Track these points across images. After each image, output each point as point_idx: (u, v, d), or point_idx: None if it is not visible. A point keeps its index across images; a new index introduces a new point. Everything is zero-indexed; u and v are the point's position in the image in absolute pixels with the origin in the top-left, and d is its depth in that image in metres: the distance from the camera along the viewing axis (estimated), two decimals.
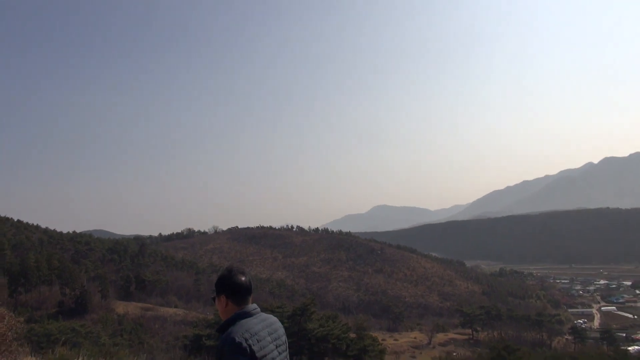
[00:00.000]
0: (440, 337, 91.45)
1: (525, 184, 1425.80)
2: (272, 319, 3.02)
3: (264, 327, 2.85)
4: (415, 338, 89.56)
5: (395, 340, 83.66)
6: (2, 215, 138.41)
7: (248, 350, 2.61)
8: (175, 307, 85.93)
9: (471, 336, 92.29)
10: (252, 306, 2.95)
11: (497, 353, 36.03)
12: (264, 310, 3.14)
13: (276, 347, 2.89)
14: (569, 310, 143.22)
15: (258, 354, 2.64)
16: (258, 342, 2.72)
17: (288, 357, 3.01)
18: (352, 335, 35.43)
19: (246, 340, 2.64)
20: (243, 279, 2.93)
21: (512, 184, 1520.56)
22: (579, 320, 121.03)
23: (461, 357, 73.70)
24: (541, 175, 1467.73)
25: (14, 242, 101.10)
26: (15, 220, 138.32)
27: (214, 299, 3.04)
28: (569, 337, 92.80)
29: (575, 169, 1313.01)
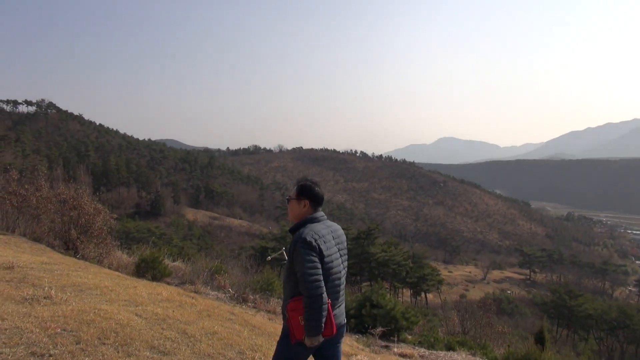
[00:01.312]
0: (496, 274, 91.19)
1: (609, 126, 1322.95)
2: (336, 226, 3.35)
3: (329, 232, 3.19)
4: (470, 272, 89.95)
5: (450, 272, 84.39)
6: (87, 118, 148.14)
7: (317, 249, 2.97)
8: (240, 218, 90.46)
9: (528, 277, 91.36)
10: (320, 213, 3.30)
11: (558, 296, 35.44)
12: None
13: (339, 250, 3.23)
14: (637, 262, 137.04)
15: (325, 252, 3.01)
16: (324, 243, 3.06)
17: (347, 260, 3.37)
18: (412, 263, 35.95)
19: (315, 240, 2.99)
20: (321, 190, 3.36)
21: (593, 125, 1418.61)
22: None
23: (516, 295, 73.49)
24: (629, 118, 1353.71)
25: (96, 145, 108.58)
26: (98, 124, 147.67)
27: (288, 200, 3.36)
28: (633, 289, 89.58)
29: None
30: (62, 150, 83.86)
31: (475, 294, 72.02)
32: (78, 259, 10.52)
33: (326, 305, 2.95)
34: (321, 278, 2.94)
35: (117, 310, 4.42)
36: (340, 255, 3.24)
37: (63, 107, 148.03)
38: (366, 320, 9.03)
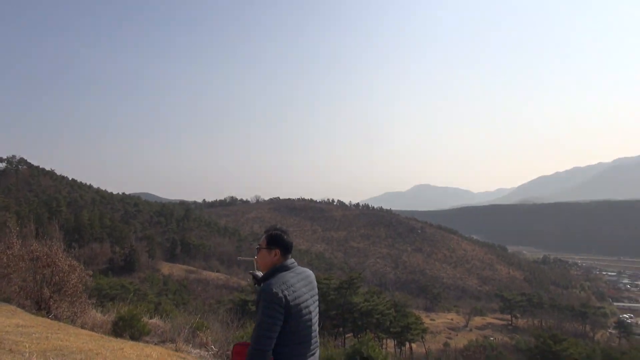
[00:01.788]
0: (478, 320, 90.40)
1: (575, 170, 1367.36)
2: (308, 272, 3.37)
3: (299, 280, 3.20)
4: (452, 320, 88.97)
5: (432, 320, 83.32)
6: (59, 174, 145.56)
7: (283, 300, 2.96)
8: (218, 271, 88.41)
9: (510, 322, 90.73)
10: (290, 260, 3.32)
11: (542, 341, 35.13)
12: None
13: (310, 297, 3.24)
14: (615, 303, 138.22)
15: (292, 303, 3.00)
16: (293, 292, 3.06)
17: (317, 306, 3.38)
18: (395, 312, 35.37)
19: (282, 290, 2.99)
20: (289, 237, 3.41)
21: (561, 169, 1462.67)
22: (625, 315, 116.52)
23: (499, 342, 72.65)
24: (594, 162, 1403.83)
25: (69, 200, 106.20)
26: (70, 179, 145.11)
27: (258, 249, 3.41)
28: (613, 331, 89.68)
29: (632, 157, 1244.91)
30: (32, 206, 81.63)
31: (459, 341, 70.91)
32: (51, 319, 9.97)
33: None
34: (272, 335, 2.91)
35: None
36: (313, 302, 3.25)
37: (35, 162, 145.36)
38: None
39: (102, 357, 4.72)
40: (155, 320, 13.22)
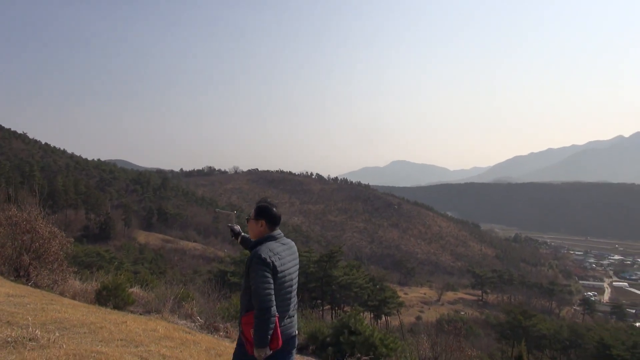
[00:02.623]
0: (450, 295, 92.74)
1: (550, 151, 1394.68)
2: (292, 243, 3.72)
3: (285, 249, 3.54)
4: (424, 294, 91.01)
5: (405, 294, 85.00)
6: (31, 137, 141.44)
7: (271, 265, 3.30)
8: (195, 241, 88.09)
9: (480, 298, 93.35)
10: (277, 231, 3.64)
11: (513, 317, 36.20)
12: None
13: (293, 265, 3.59)
14: (580, 282, 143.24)
15: (278, 268, 3.35)
16: (279, 259, 3.40)
17: (297, 275, 3.71)
18: (373, 286, 35.83)
19: (270, 257, 3.33)
20: (278, 211, 3.70)
21: (536, 150, 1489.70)
22: (590, 293, 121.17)
23: (470, 316, 74.78)
24: (568, 144, 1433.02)
25: (42, 165, 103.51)
26: (43, 143, 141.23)
27: (248, 219, 3.72)
28: (578, 308, 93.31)
29: (604, 140, 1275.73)
30: (4, 170, 79.23)
31: (431, 315, 72.74)
32: (30, 286, 9.69)
33: (274, 319, 3.23)
34: (272, 293, 3.23)
35: (119, 353, 3.87)
36: (295, 270, 3.61)
37: (6, 125, 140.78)
38: (344, 348, 8.70)
39: (107, 330, 4.51)
40: (135, 289, 13.04)
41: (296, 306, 3.65)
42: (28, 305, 4.99)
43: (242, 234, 4.07)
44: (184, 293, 11.36)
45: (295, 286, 3.59)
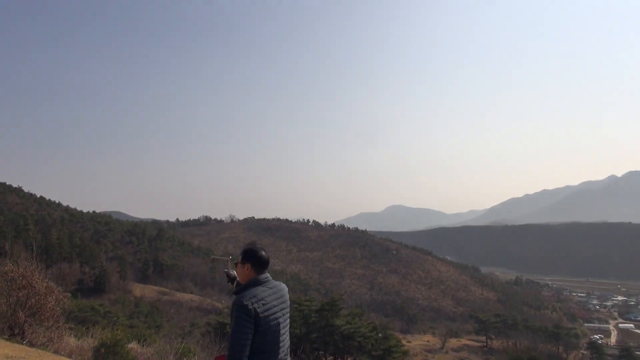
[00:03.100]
0: (454, 342, 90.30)
1: (544, 193, 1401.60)
2: (281, 286, 3.65)
3: (271, 294, 3.45)
4: (428, 341, 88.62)
5: (408, 342, 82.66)
6: (26, 191, 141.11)
7: (252, 312, 3.22)
8: (191, 293, 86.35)
9: (485, 344, 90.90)
10: (264, 275, 3.58)
11: None
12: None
13: (280, 309, 3.49)
14: (586, 324, 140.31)
15: (261, 315, 3.26)
16: (263, 305, 3.31)
17: (288, 318, 3.64)
18: (377, 335, 34.84)
19: (252, 303, 3.25)
20: (264, 254, 3.66)
21: (531, 192, 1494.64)
22: (595, 336, 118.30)
23: None
24: (562, 185, 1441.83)
25: (36, 218, 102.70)
26: (38, 196, 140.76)
27: (236, 264, 3.69)
28: (586, 352, 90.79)
29: (597, 181, 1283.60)
30: None
31: None
32: (25, 344, 9.28)
33: None
34: (246, 344, 3.16)
35: None
36: (283, 315, 3.52)
37: (1, 179, 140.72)
38: None
39: None
40: (134, 345, 12.52)
41: (288, 350, 3.55)
42: None
43: (237, 279, 3.92)
44: (184, 348, 10.93)
45: (285, 330, 3.50)
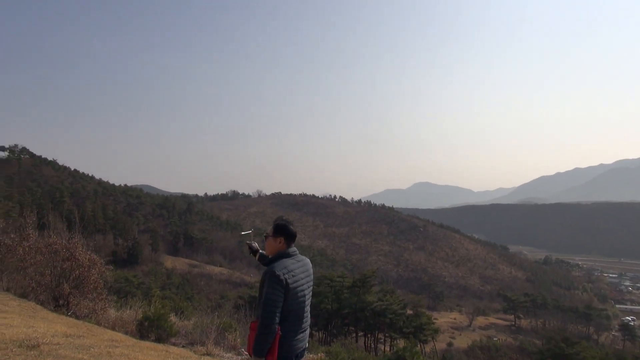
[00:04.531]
0: (481, 320, 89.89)
1: (577, 171, 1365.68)
2: (306, 260, 3.87)
3: (299, 267, 3.69)
4: (454, 319, 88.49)
5: (435, 319, 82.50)
6: (61, 164, 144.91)
7: (284, 282, 3.44)
8: (220, 266, 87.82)
9: (513, 323, 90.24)
10: (293, 249, 3.79)
11: (554, 344, 34.43)
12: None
13: (306, 282, 3.72)
14: (617, 306, 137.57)
15: (291, 285, 3.49)
16: (293, 276, 3.54)
17: (311, 290, 3.88)
18: (409, 312, 34.67)
19: (283, 274, 3.47)
20: (294, 228, 3.88)
21: (562, 170, 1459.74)
22: (627, 317, 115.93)
23: (503, 342, 72.14)
24: (595, 163, 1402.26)
25: (71, 191, 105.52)
26: (72, 169, 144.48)
27: (266, 237, 3.86)
28: (617, 334, 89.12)
29: (633, 159, 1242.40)
30: (35, 196, 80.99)
31: (462, 341, 70.53)
32: (69, 316, 9.32)
33: (273, 335, 3.36)
34: (277, 310, 3.38)
35: None
36: (308, 287, 3.75)
37: (37, 152, 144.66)
38: None
39: None
40: (173, 318, 12.53)
41: (309, 321, 3.79)
42: (91, 350, 4.50)
43: (260, 251, 4.19)
44: (226, 323, 10.83)
45: (308, 302, 3.72)
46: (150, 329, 9.05)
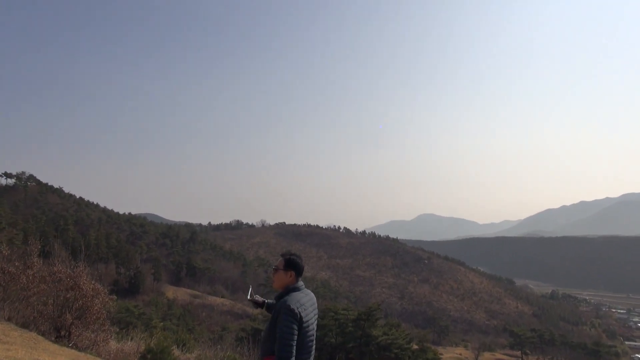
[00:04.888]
0: (487, 356, 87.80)
1: (582, 204, 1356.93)
2: (312, 294, 4.03)
3: (307, 300, 3.86)
4: (460, 354, 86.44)
5: (440, 354, 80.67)
6: (67, 191, 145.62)
7: (298, 316, 3.61)
8: (222, 297, 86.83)
9: (520, 359, 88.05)
10: (301, 283, 3.97)
11: None
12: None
13: (314, 315, 3.89)
14: (626, 342, 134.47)
15: (304, 319, 3.66)
16: (304, 310, 3.72)
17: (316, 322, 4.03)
18: (415, 346, 33.94)
19: (297, 308, 3.64)
20: (302, 262, 4.10)
21: (568, 203, 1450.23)
22: (637, 355, 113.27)
23: None
24: (601, 197, 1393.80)
25: (75, 218, 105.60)
26: (78, 197, 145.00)
27: (275, 269, 4.05)
28: None
29: (638, 193, 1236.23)
30: (40, 223, 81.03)
31: None
32: (70, 347, 9.13)
33: None
34: (294, 344, 3.53)
35: None
36: (314, 320, 3.91)
37: (43, 180, 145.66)
38: None
39: None
40: (176, 351, 12.27)
41: (314, 353, 3.88)
42: None
43: (267, 301, 4.33)
44: (229, 357, 10.63)
45: (314, 333, 3.87)
46: None
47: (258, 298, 4.39)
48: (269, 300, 4.31)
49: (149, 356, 8.78)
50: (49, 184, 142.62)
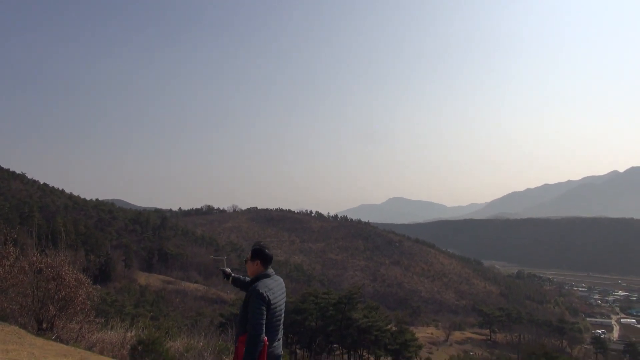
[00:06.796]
0: (457, 335, 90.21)
1: (546, 187, 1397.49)
2: (280, 280, 4.50)
3: (276, 285, 4.33)
4: (431, 334, 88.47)
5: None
6: (30, 177, 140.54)
7: (266, 299, 4.08)
8: (196, 282, 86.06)
9: (489, 337, 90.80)
10: (270, 270, 4.44)
11: (535, 358, 34.60)
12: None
13: (282, 299, 4.34)
14: (588, 319, 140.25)
15: (272, 302, 4.13)
16: (272, 294, 4.18)
17: (284, 304, 4.51)
18: (393, 328, 34.34)
19: (265, 292, 4.11)
20: (270, 252, 4.48)
21: (532, 186, 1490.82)
22: (598, 331, 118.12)
23: (479, 357, 72.52)
24: (563, 180, 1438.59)
25: (40, 205, 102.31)
26: (42, 183, 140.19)
27: (245, 260, 4.50)
28: (589, 347, 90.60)
29: (599, 176, 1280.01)
30: (3, 210, 78.11)
31: (440, 356, 70.40)
32: (54, 340, 8.70)
33: (262, 344, 3.96)
34: (263, 322, 4.01)
35: None
36: (283, 303, 4.39)
37: (4, 165, 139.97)
38: None
39: None
40: (169, 342, 11.89)
41: (282, 331, 4.37)
42: None
43: (232, 275, 4.87)
44: (221, 345, 10.37)
45: (282, 315, 4.33)
46: (144, 354, 8.52)
47: (227, 269, 4.91)
48: (235, 275, 4.86)
49: (140, 347, 8.42)
50: (11, 170, 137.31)
